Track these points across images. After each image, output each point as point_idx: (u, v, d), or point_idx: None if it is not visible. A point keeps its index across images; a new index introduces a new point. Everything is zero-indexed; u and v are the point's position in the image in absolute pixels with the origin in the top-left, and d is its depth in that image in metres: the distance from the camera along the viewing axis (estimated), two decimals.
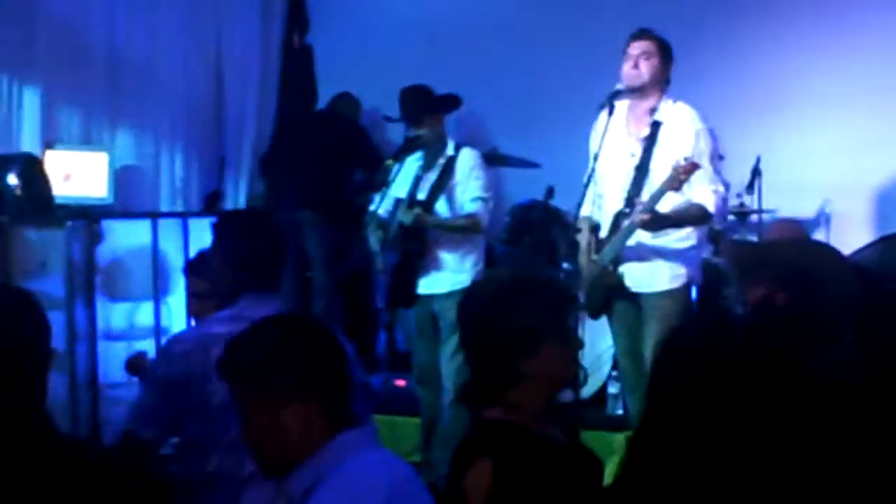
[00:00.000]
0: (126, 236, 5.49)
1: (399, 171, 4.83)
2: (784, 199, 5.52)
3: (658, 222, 3.94)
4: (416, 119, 4.92)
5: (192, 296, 4.09)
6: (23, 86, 5.72)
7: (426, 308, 4.75)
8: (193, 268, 3.96)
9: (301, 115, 6.84)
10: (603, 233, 4.23)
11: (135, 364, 3.94)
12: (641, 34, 4.21)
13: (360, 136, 6.30)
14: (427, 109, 4.94)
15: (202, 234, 5.15)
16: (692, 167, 3.82)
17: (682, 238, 4.11)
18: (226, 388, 2.47)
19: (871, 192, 5.72)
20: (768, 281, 2.84)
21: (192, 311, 4.24)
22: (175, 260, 5.58)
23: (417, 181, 4.84)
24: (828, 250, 3.30)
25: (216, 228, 3.11)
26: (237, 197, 6.72)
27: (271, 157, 6.65)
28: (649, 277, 4.09)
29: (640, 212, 3.92)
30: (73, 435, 2.62)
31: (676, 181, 3.82)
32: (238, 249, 2.99)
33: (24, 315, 2.05)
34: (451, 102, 5.09)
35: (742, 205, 5.20)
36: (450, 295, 4.59)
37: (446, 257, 4.77)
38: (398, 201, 4.80)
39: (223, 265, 3.05)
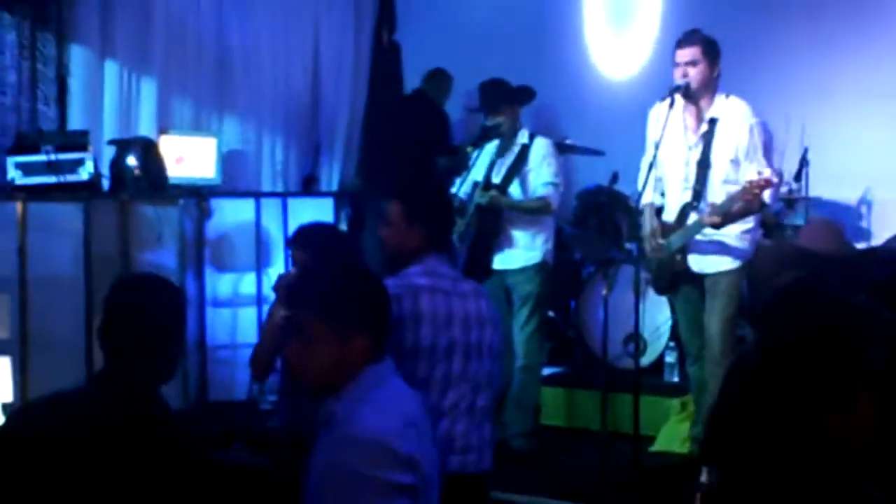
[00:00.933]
0: (232, 213, 6.02)
1: (478, 157, 5.23)
2: (829, 188, 5.77)
3: (727, 222, 4.30)
4: (495, 109, 5.26)
5: (296, 265, 4.32)
6: (140, 77, 6.27)
7: (500, 282, 5.10)
8: (296, 241, 4.17)
9: (391, 105, 7.28)
10: (667, 217, 4.60)
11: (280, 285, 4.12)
12: (686, 41, 4.53)
13: (443, 123, 6.73)
14: (504, 100, 5.29)
15: (299, 212, 5.99)
16: (766, 183, 4.12)
17: (742, 226, 4.46)
18: (434, 331, 3.07)
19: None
20: None
21: None
22: (275, 235, 6.10)
23: (492, 166, 5.21)
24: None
25: (418, 202, 3.40)
26: (330, 179, 7.20)
27: (364, 144, 7.16)
28: (715, 261, 4.41)
29: (710, 213, 4.26)
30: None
31: (750, 194, 4.15)
32: (436, 218, 3.34)
33: (173, 303, 2.44)
34: (526, 94, 5.49)
35: (791, 192, 5.41)
36: (522, 270, 5.06)
37: (519, 236, 5.12)
38: (475, 184, 5.17)
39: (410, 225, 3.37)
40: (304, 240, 3.86)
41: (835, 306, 1.58)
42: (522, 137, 5.28)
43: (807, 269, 3.37)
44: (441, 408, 3.15)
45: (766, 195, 4.34)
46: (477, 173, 5.28)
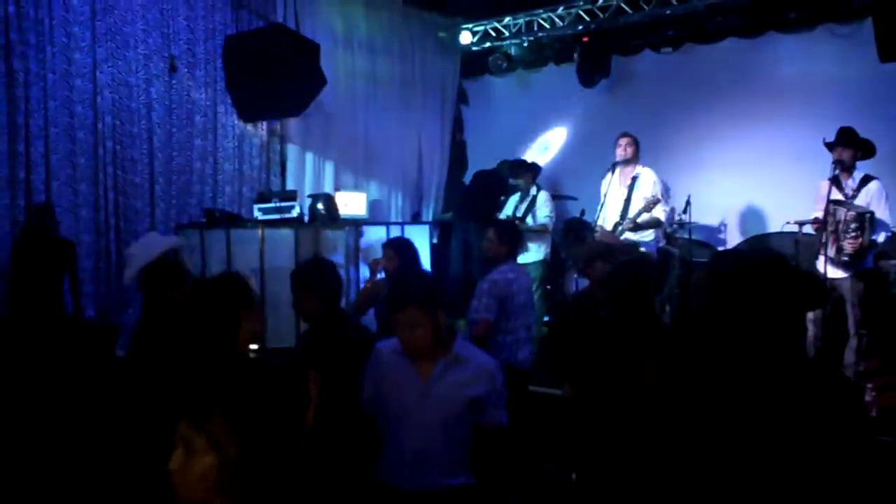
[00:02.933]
0: (374, 234, 7.54)
1: (508, 200, 7.92)
2: (703, 217, 7.88)
3: (638, 228, 6.81)
4: (517, 175, 7.91)
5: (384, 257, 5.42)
6: (325, 161, 9.05)
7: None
8: (388, 243, 5.44)
9: (478, 172, 9.42)
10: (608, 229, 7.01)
11: (373, 265, 5.49)
12: (622, 134, 7.10)
13: (504, 184, 9.09)
14: (524, 171, 7.94)
15: (412, 234, 7.82)
16: (655, 201, 6.75)
17: (648, 234, 6.91)
18: (519, 296, 4.62)
19: (749, 214, 8.26)
20: None
21: None
22: None
23: (517, 207, 7.81)
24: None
25: (504, 230, 4.96)
26: (428, 216, 9.74)
27: (449, 194, 9.64)
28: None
29: (629, 222, 6.82)
30: None
31: (648, 207, 6.74)
32: (514, 239, 4.89)
33: (331, 272, 3.56)
34: (536, 168, 8.05)
35: (681, 219, 7.69)
36: (533, 263, 7.36)
37: (531, 245, 7.31)
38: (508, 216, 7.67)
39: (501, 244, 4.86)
40: (393, 243, 5.36)
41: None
42: (533, 190, 7.81)
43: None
44: (518, 332, 4.76)
45: (662, 216, 6.91)
46: (508, 210, 7.86)
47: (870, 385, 5.82)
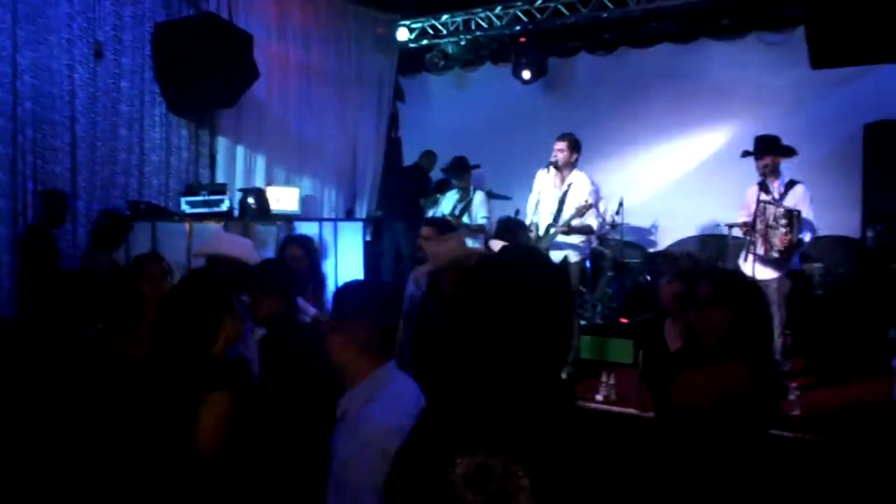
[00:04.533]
0: (306, 230, 7.38)
1: (443, 199, 7.94)
2: (635, 219, 8.14)
3: (570, 232, 6.80)
4: (457, 174, 7.95)
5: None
6: (256, 155, 8.89)
7: None
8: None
9: (397, 170, 9.86)
10: (540, 232, 7.04)
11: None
12: (561, 137, 7.07)
13: (426, 182, 9.32)
14: (461, 169, 7.95)
15: (344, 230, 8.25)
16: (588, 206, 6.74)
17: (581, 239, 6.96)
18: None
19: (680, 216, 8.47)
20: None
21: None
22: (329, 242, 8.06)
23: (455, 205, 7.83)
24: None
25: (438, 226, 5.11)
26: (362, 212, 9.71)
27: (383, 191, 9.73)
28: (569, 254, 6.64)
29: (561, 226, 6.82)
30: None
31: (581, 212, 6.74)
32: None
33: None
34: (472, 166, 8.09)
35: (613, 221, 7.84)
36: None
37: (468, 242, 6.96)
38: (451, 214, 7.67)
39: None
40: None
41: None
42: (471, 191, 7.87)
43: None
44: None
45: (594, 223, 6.98)
46: (446, 208, 7.84)
47: (794, 385, 5.95)
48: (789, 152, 6.26)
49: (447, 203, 7.92)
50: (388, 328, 2.27)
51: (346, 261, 8.09)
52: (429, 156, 9.47)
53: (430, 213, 7.99)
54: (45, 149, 6.99)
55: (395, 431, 1.89)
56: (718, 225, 6.75)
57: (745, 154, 6.26)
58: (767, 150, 6.18)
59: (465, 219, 7.65)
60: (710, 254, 7.90)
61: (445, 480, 1.46)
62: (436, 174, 9.45)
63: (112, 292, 2.99)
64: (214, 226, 6.63)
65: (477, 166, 8.06)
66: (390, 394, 2.14)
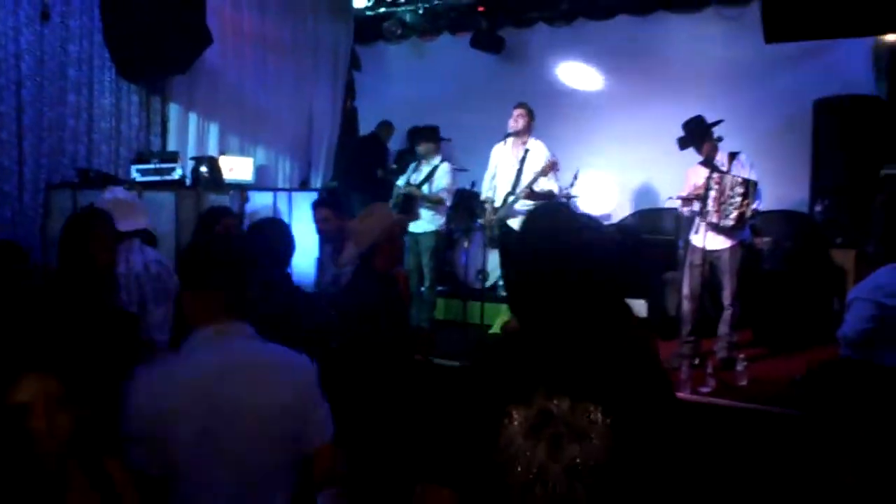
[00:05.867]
0: (260, 200, 7.83)
1: (410, 169, 7.82)
2: (589, 191, 8.20)
3: (532, 197, 6.82)
4: (421, 141, 7.84)
5: (319, 221, 5.86)
6: (209, 123, 8.66)
7: (413, 239, 7.39)
8: (322, 202, 5.82)
9: (354, 140, 9.81)
10: (497, 203, 7.14)
11: None
12: (519, 105, 7.16)
13: (383, 152, 9.33)
14: (431, 139, 7.84)
15: (299, 201, 8.20)
16: (551, 165, 6.82)
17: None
18: None
19: (635, 189, 8.66)
20: None
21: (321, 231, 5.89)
22: (283, 211, 8.10)
23: (413, 173, 7.73)
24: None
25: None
26: (317, 182, 9.64)
27: (339, 162, 9.70)
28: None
29: (523, 190, 6.83)
30: None
31: (545, 171, 6.81)
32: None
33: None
34: (442, 138, 8.02)
35: (569, 192, 7.83)
36: (425, 233, 7.43)
37: (424, 213, 7.53)
38: (406, 185, 7.65)
39: None
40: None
41: None
42: (436, 160, 7.74)
43: None
44: None
45: (555, 187, 6.99)
46: (409, 178, 7.75)
47: (742, 356, 6.09)
48: (716, 123, 6.40)
49: (408, 172, 7.88)
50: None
51: (300, 231, 7.78)
52: (386, 126, 9.46)
53: (398, 183, 7.86)
54: None
55: None
56: (670, 198, 6.79)
57: (683, 146, 6.36)
58: (703, 136, 6.35)
59: (426, 189, 7.57)
60: (663, 227, 7.96)
61: (504, 434, 1.57)
62: (393, 145, 9.36)
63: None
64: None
65: (447, 139, 8.06)
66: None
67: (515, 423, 1.63)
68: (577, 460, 1.60)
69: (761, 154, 6.51)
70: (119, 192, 4.97)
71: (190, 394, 2.07)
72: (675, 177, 6.87)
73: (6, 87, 6.91)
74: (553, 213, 1.95)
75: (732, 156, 6.41)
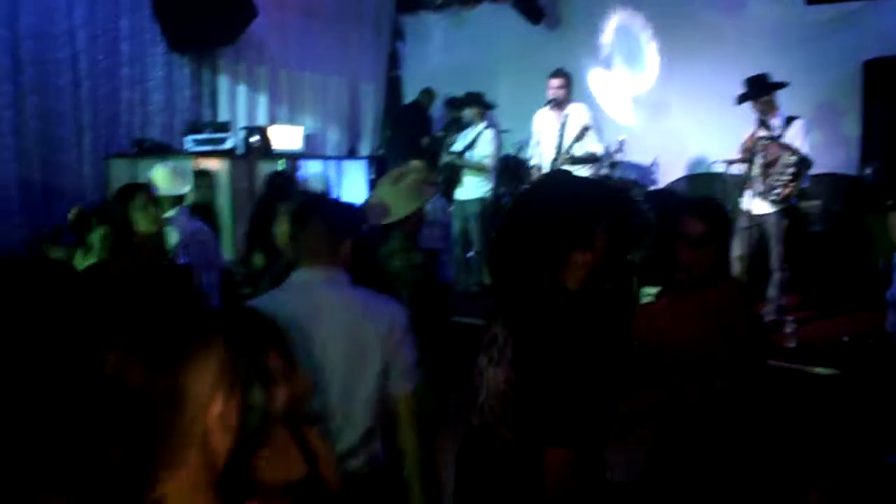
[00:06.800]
0: (311, 168, 8.09)
1: (457, 136, 7.91)
2: (634, 158, 8.10)
3: (576, 162, 6.82)
4: (464, 107, 7.99)
5: None
6: (258, 94, 9.01)
7: (460, 205, 7.56)
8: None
9: (397, 109, 9.96)
10: (544, 169, 7.06)
11: None
12: (556, 74, 7.14)
13: (426, 120, 9.38)
14: (476, 105, 7.92)
15: (347, 169, 8.56)
16: (586, 128, 6.87)
17: (583, 171, 6.82)
18: None
19: (681, 155, 8.58)
20: None
21: None
22: (333, 180, 8.31)
23: (462, 141, 7.79)
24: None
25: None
26: (364, 151, 9.80)
27: (384, 131, 9.89)
28: None
29: (564, 157, 6.87)
30: None
31: (581, 135, 6.87)
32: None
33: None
34: (488, 104, 8.06)
35: (614, 158, 7.57)
36: (471, 200, 7.56)
37: (468, 180, 7.66)
38: (451, 153, 7.74)
39: None
40: None
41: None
42: (480, 126, 7.81)
43: None
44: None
45: (599, 148, 7.06)
46: (458, 146, 7.81)
47: (791, 318, 6.11)
48: (779, 86, 6.29)
49: (460, 139, 7.90)
50: None
51: (350, 199, 8.03)
52: (428, 93, 9.46)
53: (448, 150, 7.90)
54: (49, 87, 6.99)
55: None
56: (716, 162, 6.76)
57: (741, 100, 6.30)
58: (761, 91, 6.22)
59: (468, 155, 7.63)
60: (710, 192, 7.89)
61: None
62: (435, 112, 9.47)
63: None
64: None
65: (490, 104, 8.00)
66: None
67: (484, 337, 2.11)
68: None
69: (809, 116, 6.43)
70: (167, 164, 5.17)
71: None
72: (724, 141, 6.83)
73: (62, 61, 7.13)
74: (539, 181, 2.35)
75: (789, 120, 6.29)
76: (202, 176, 6.66)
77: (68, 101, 7.20)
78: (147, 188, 4.21)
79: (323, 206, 2.71)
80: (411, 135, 8.96)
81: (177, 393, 0.85)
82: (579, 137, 6.84)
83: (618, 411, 2.15)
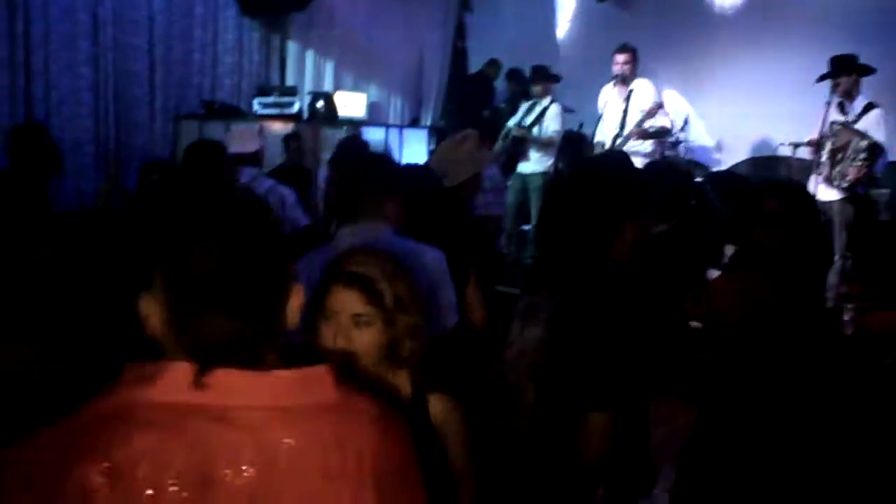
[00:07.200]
0: (373, 135, 7.83)
1: (520, 109, 7.85)
2: (698, 138, 8.15)
3: (645, 137, 6.76)
4: (535, 82, 7.85)
5: None
6: (325, 60, 9.08)
7: (522, 178, 7.51)
8: None
9: (461, 79, 10.01)
10: (607, 146, 7.02)
11: None
12: (622, 49, 7.01)
13: (489, 91, 9.39)
14: (541, 78, 7.81)
15: (409, 138, 8.54)
16: (658, 106, 6.76)
17: (646, 146, 6.85)
18: None
19: (746, 138, 8.41)
20: None
21: None
22: (394, 148, 8.29)
23: (525, 115, 7.73)
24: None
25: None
26: (427, 121, 9.81)
27: (448, 101, 9.91)
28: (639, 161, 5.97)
29: (635, 130, 6.75)
30: None
31: (651, 112, 6.66)
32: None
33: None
34: (553, 76, 7.94)
35: (678, 137, 7.71)
36: (534, 174, 7.48)
37: (534, 155, 7.56)
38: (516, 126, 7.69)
39: None
40: None
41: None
42: (545, 101, 7.70)
43: None
44: None
45: (668, 123, 6.97)
46: (517, 119, 7.76)
47: (850, 306, 5.99)
48: (867, 71, 6.10)
49: (520, 113, 7.85)
50: None
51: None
52: (494, 65, 9.41)
53: (508, 123, 7.85)
54: (126, 47, 7.19)
55: None
56: (782, 144, 6.64)
57: (821, 78, 6.15)
58: (844, 70, 6.05)
59: (536, 130, 7.58)
60: (774, 176, 7.75)
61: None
62: (500, 83, 9.40)
63: None
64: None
65: (557, 78, 7.90)
66: None
67: (519, 304, 2.30)
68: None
69: (883, 103, 6.26)
70: (239, 125, 5.31)
71: None
72: (794, 125, 6.69)
73: (139, 21, 7.31)
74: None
75: (867, 108, 6.12)
76: (292, 139, 6.79)
77: (143, 61, 7.38)
78: (218, 145, 4.30)
79: (369, 164, 2.77)
80: (473, 106, 8.94)
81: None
82: (651, 114, 6.75)
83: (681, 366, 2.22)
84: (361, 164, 2.82)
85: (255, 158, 4.79)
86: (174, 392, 1.00)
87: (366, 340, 1.65)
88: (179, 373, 1.00)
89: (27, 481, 0.93)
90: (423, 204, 2.78)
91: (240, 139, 4.87)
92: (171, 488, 0.95)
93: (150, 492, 0.93)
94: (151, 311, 1.06)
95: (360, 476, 1.05)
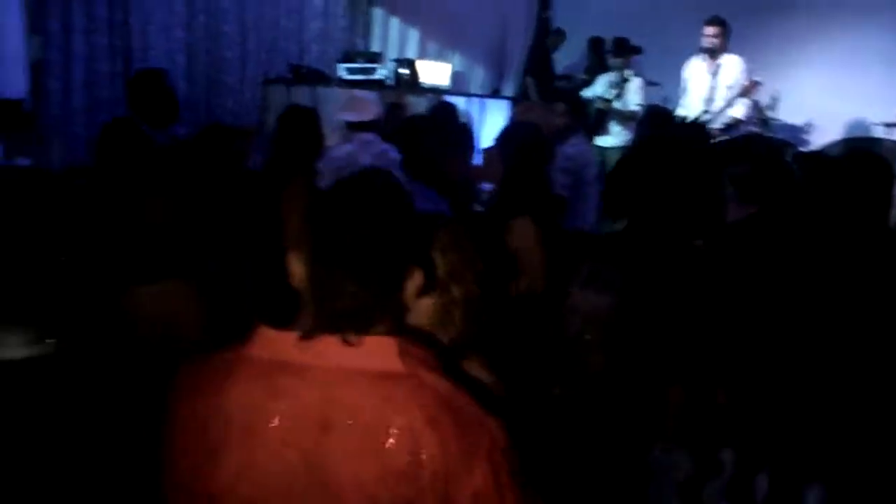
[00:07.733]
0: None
1: (597, 81, 7.87)
2: (788, 115, 7.86)
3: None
4: (617, 55, 7.83)
5: None
6: (410, 28, 9.15)
7: (601, 151, 7.11)
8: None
9: (531, 49, 9.81)
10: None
11: None
12: (713, 22, 6.87)
13: (548, 61, 9.31)
14: (622, 51, 7.74)
15: (491, 108, 8.27)
16: (753, 85, 6.63)
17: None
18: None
19: (837, 118, 8.16)
20: None
21: None
22: (476, 118, 8.01)
23: (608, 88, 7.66)
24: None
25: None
26: (508, 91, 9.59)
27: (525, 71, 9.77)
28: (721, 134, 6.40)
29: (724, 106, 6.64)
30: None
31: (746, 91, 6.60)
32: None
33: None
34: (634, 48, 7.84)
35: (767, 115, 7.53)
36: (612, 147, 7.25)
37: (614, 128, 7.47)
38: (597, 98, 7.61)
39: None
40: None
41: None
42: (627, 73, 7.67)
43: None
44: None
45: (740, 113, 6.79)
46: (598, 90, 7.71)
47: None
48: None
49: (600, 86, 7.76)
50: None
51: (492, 137, 8.07)
52: (557, 35, 9.28)
53: (587, 93, 7.75)
54: (218, 9, 7.35)
55: None
56: (875, 125, 6.42)
57: None
58: None
59: (617, 104, 7.49)
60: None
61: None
62: (563, 54, 9.32)
63: None
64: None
65: (639, 50, 7.81)
66: None
67: (582, 273, 2.21)
68: None
69: None
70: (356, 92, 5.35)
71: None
72: (883, 104, 6.47)
73: None
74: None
75: None
76: (396, 108, 6.79)
77: (234, 23, 7.50)
78: (311, 112, 4.35)
79: (430, 125, 2.82)
80: (539, 78, 8.93)
81: None
82: (746, 92, 6.65)
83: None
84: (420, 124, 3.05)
85: (373, 125, 4.77)
86: (280, 353, 1.22)
87: (420, 309, 1.66)
88: (289, 338, 1.21)
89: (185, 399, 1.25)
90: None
91: (359, 107, 4.84)
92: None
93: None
94: (296, 267, 1.24)
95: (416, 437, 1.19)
